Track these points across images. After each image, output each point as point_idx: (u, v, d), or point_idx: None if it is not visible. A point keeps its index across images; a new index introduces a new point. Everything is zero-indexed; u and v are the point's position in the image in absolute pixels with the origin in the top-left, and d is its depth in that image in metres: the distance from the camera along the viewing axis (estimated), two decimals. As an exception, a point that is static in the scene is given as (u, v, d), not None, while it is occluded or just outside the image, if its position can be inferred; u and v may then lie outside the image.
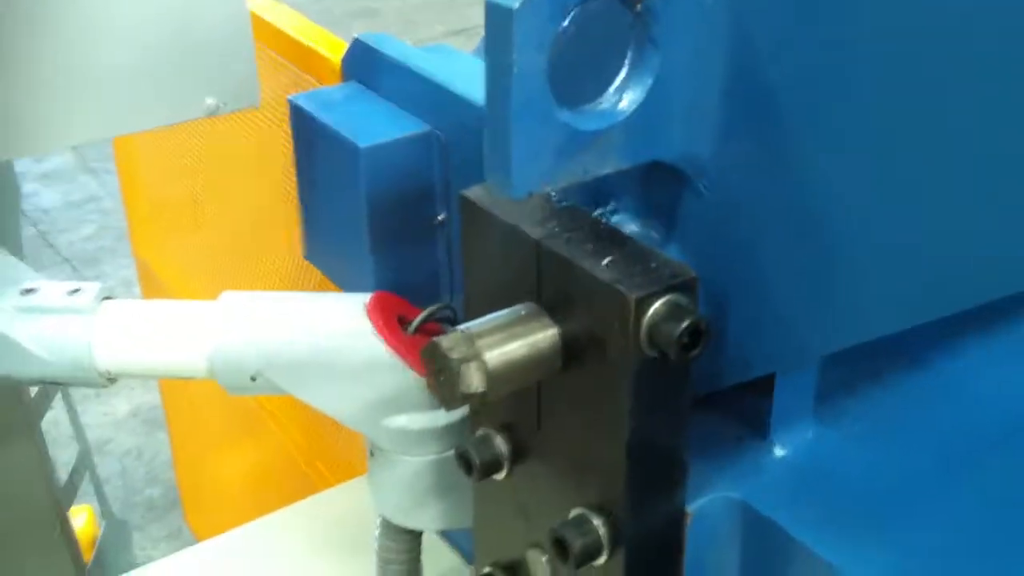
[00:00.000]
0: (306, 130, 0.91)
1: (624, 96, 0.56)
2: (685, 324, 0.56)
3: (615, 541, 0.65)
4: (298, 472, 1.54)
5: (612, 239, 0.62)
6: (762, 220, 0.57)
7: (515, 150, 0.52)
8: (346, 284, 0.94)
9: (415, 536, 0.95)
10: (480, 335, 0.61)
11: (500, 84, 0.51)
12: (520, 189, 0.54)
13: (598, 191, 0.67)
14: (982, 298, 0.52)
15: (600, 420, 0.62)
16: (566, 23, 0.51)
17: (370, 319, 0.82)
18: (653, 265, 0.59)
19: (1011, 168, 0.53)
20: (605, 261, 0.59)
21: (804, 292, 0.57)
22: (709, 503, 0.67)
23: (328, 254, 0.95)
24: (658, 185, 0.62)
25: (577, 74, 0.53)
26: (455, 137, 0.85)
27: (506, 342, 0.62)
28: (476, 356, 0.60)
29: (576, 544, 0.64)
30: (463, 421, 0.87)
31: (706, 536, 0.67)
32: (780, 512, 0.65)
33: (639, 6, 0.53)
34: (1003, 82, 0.50)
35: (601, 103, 0.56)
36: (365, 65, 0.95)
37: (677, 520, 0.66)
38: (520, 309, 0.64)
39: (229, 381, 0.82)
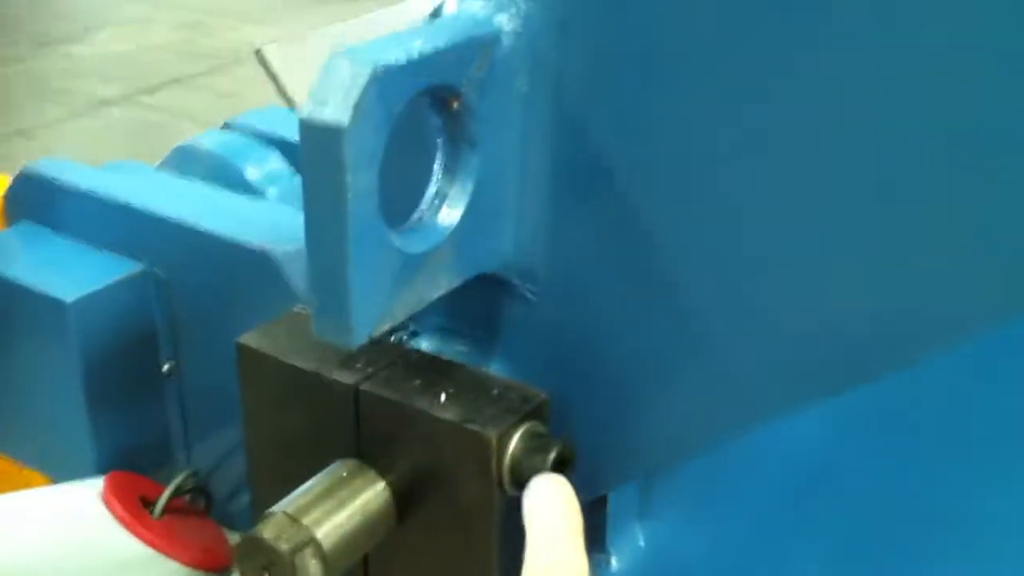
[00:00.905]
0: (-22, 287, 0.74)
1: (447, 207, 0.48)
2: (552, 455, 0.49)
3: None
4: None
5: (437, 369, 0.54)
6: (609, 314, 0.52)
7: (353, 289, 0.43)
8: (53, 464, 0.77)
9: None
10: (303, 513, 0.50)
11: (330, 214, 0.42)
12: (361, 334, 0.44)
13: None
14: (863, 379, 0.51)
15: (456, 567, 0.53)
16: (388, 133, 0.43)
17: (111, 511, 0.67)
18: (495, 392, 0.52)
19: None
20: (442, 397, 0.51)
21: (670, 387, 0.52)
22: (569, 639, 0.60)
23: (21, 435, 0.78)
24: (470, 298, 0.55)
25: (397, 190, 0.46)
26: (177, 272, 0.73)
27: (334, 513, 0.51)
28: (308, 540, 0.49)
29: None
30: (239, 603, 0.73)
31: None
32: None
33: (455, 105, 0.46)
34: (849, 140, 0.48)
35: (423, 220, 0.48)
36: (38, 200, 0.79)
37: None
38: (338, 469, 0.54)
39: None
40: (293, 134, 0.93)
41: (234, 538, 0.76)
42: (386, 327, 0.46)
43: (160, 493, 0.71)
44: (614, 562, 0.64)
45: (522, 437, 0.50)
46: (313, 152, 0.41)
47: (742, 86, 0.44)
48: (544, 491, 0.48)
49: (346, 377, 0.53)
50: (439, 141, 0.48)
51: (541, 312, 0.55)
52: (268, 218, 0.73)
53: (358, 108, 0.40)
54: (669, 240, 0.50)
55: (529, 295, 0.54)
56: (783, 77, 0.44)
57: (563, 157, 0.49)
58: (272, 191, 0.85)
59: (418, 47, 0.43)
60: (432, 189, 0.49)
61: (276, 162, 0.88)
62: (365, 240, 0.43)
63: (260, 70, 0.99)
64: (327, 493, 0.52)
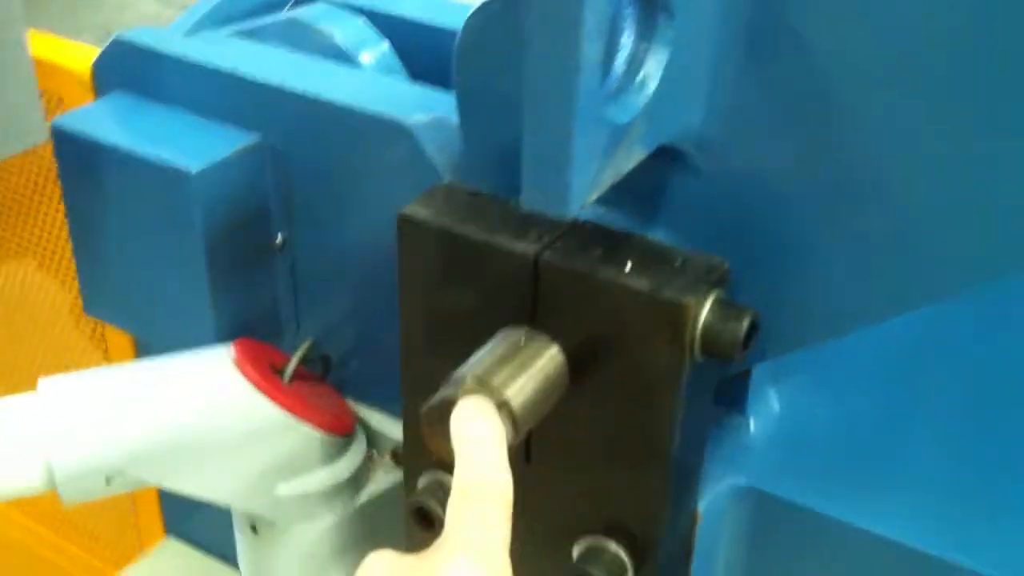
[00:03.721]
0: (87, 159, 0.73)
1: (644, 76, 0.48)
2: (747, 323, 0.50)
3: (639, 563, 0.59)
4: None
5: (614, 239, 0.54)
6: (785, 185, 0.52)
7: (576, 159, 0.43)
8: (168, 332, 0.77)
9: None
10: (492, 376, 0.52)
11: (558, 84, 0.41)
12: (575, 204, 0.45)
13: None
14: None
15: (634, 435, 0.55)
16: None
17: (245, 375, 0.68)
18: (679, 262, 0.53)
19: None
20: (627, 267, 0.52)
21: (845, 259, 0.53)
22: (715, 496, 0.62)
23: (137, 309, 0.78)
24: (635, 168, 0.55)
25: (605, 63, 0.45)
26: (295, 143, 0.72)
27: (518, 377, 0.52)
28: (501, 403, 0.51)
29: (605, 580, 0.57)
30: (364, 467, 0.75)
31: (712, 529, 0.63)
32: (785, 487, 0.62)
33: (659, -25, 0.45)
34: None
35: (622, 90, 0.48)
36: (133, 69, 0.77)
37: (691, 522, 0.62)
38: (513, 335, 0.55)
39: (76, 490, 0.64)
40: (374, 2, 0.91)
41: (354, 405, 0.78)
42: (593, 199, 0.47)
43: (283, 359, 0.72)
44: (752, 425, 0.66)
45: (713, 305, 0.51)
46: (547, 19, 0.40)
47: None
48: (470, 413, 0.49)
49: (524, 247, 0.54)
50: (634, 9, 0.48)
51: (711, 184, 0.55)
52: (387, 88, 0.72)
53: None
54: (859, 108, 0.50)
55: (701, 166, 0.55)
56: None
57: (759, 31, 0.49)
58: (365, 58, 0.84)
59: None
60: (626, 56, 0.48)
61: (364, 29, 0.86)
62: (588, 110, 0.43)
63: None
64: (507, 358, 0.53)
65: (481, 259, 0.55)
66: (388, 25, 0.87)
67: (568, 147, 0.43)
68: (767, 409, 0.67)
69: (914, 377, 0.71)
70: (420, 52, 0.86)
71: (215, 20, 0.87)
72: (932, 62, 0.48)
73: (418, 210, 0.57)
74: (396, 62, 0.86)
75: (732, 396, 0.65)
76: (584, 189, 0.45)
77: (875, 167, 0.51)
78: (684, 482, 0.58)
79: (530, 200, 0.45)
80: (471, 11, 0.58)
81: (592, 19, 0.40)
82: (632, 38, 0.48)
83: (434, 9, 0.90)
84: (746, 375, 0.64)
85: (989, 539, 0.59)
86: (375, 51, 0.85)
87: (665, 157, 0.55)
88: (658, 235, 0.58)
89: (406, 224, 0.57)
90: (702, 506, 0.62)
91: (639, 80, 0.48)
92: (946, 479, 0.64)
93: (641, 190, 0.57)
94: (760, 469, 0.63)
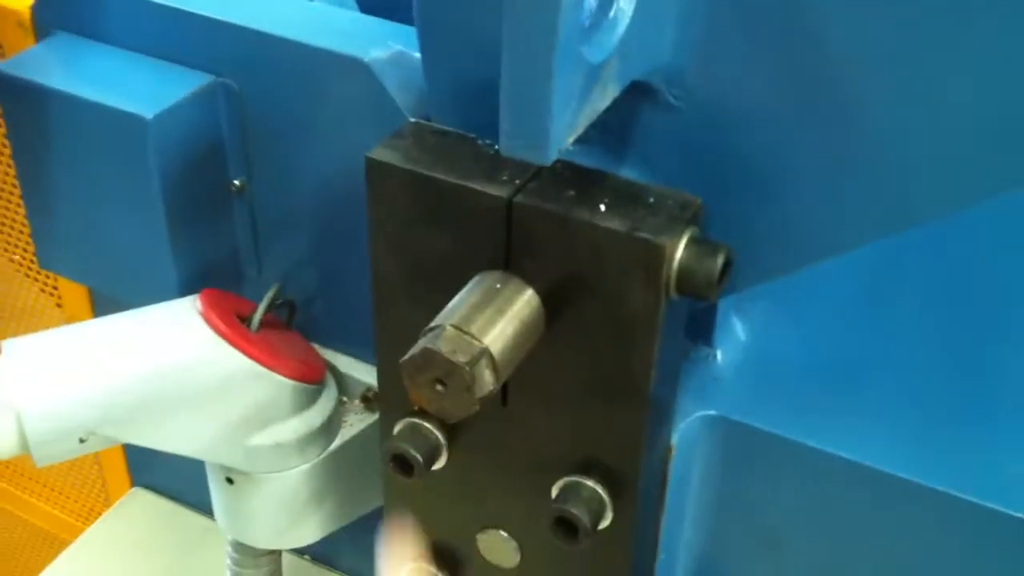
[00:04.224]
0: (35, 107, 0.70)
1: (616, 12, 0.47)
2: (721, 260, 0.50)
3: (617, 499, 0.59)
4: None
5: (586, 178, 0.53)
6: (757, 118, 0.52)
7: (555, 105, 0.42)
8: (127, 282, 0.75)
9: (276, 555, 0.82)
10: (470, 323, 0.51)
11: (537, 25, 0.40)
12: (554, 150, 0.44)
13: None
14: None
15: (610, 374, 0.55)
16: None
17: (212, 326, 0.67)
18: (652, 200, 0.52)
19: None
20: (601, 207, 0.51)
21: (818, 187, 0.53)
22: (686, 428, 0.63)
23: (89, 254, 0.75)
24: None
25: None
26: (251, 82, 0.69)
27: (496, 322, 0.52)
28: (482, 351, 0.50)
29: (585, 517, 0.58)
30: (336, 413, 0.75)
31: (685, 460, 0.64)
32: (755, 415, 0.63)
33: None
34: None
35: (595, 27, 0.46)
36: (76, 9, 0.74)
37: (665, 455, 0.62)
38: (488, 279, 0.54)
39: (49, 453, 0.63)
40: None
41: (321, 350, 0.77)
42: (571, 141, 0.46)
43: (249, 308, 0.71)
44: (719, 355, 0.66)
45: (688, 243, 0.51)
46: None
47: None
48: None
49: (497, 189, 0.53)
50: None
51: (683, 118, 0.54)
52: (343, 22, 0.70)
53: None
54: (829, 30, 0.49)
55: (673, 101, 0.54)
56: None
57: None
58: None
59: None
60: (597, -7, 0.47)
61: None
62: (567, 54, 0.42)
63: None
64: (484, 303, 0.52)
65: (453, 203, 0.54)
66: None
67: (548, 92, 0.42)
68: (734, 338, 0.67)
69: (881, 299, 0.72)
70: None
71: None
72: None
73: (385, 153, 0.56)
74: (349, -1, 0.84)
75: (699, 327, 0.65)
76: (562, 133, 0.44)
77: (846, 89, 0.50)
78: (659, 417, 0.59)
79: (509, 147, 0.44)
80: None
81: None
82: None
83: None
84: (713, 306, 0.64)
85: (960, 460, 0.60)
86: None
87: (636, 93, 0.54)
88: (631, 172, 0.57)
89: (374, 168, 0.56)
90: (674, 438, 0.62)
91: (612, 16, 0.47)
92: (915, 401, 0.65)
93: (613, 127, 0.56)
94: (728, 399, 0.63)
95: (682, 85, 0.53)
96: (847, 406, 0.64)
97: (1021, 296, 0.72)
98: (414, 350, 0.50)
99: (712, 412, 0.63)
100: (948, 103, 0.49)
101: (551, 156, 0.44)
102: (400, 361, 0.51)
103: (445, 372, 0.50)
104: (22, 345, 0.63)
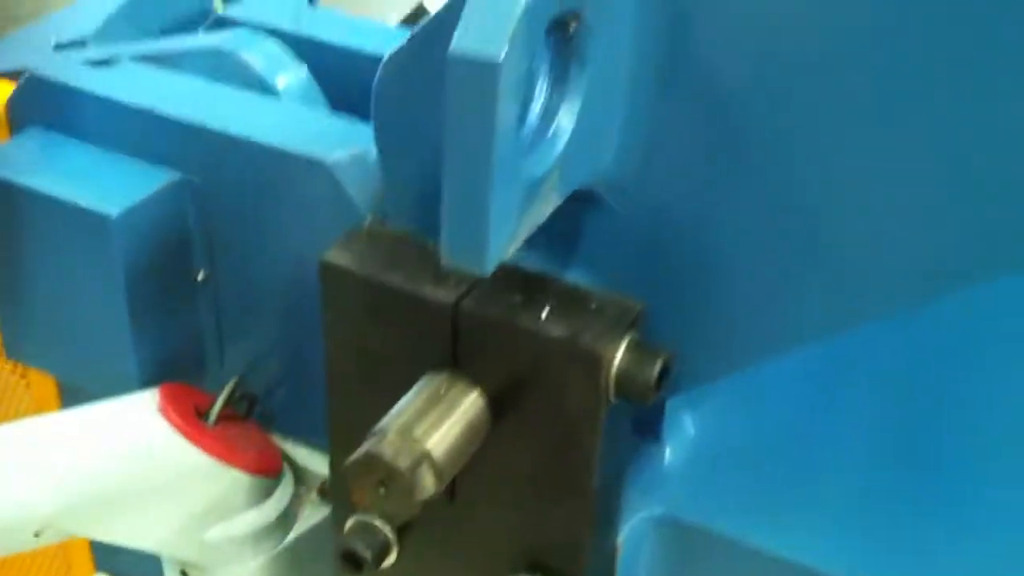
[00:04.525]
0: (2, 201, 0.71)
1: (558, 127, 0.49)
2: (658, 367, 0.51)
3: (564, 599, 0.59)
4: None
5: (531, 283, 0.55)
6: (699, 223, 0.53)
7: (493, 220, 0.43)
8: (94, 377, 0.76)
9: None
10: (412, 427, 0.52)
11: (475, 149, 0.42)
12: (493, 261, 0.45)
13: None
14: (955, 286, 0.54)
15: (554, 474, 0.56)
16: (529, 63, 0.42)
17: (170, 421, 0.67)
18: (594, 306, 0.54)
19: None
20: (544, 314, 0.53)
21: (759, 290, 0.54)
22: (634, 526, 0.63)
23: (58, 349, 0.76)
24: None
25: (520, 118, 0.46)
26: (215, 180, 0.71)
27: (440, 425, 0.53)
28: (424, 455, 0.51)
29: (531, 618, 0.58)
30: (291, 506, 0.75)
31: (632, 559, 0.64)
32: (701, 514, 0.63)
33: (573, 26, 0.46)
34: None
35: (535, 141, 0.48)
36: (48, 105, 0.76)
37: (612, 554, 0.63)
38: (434, 381, 0.55)
39: (5, 544, 0.63)
40: (285, 23, 0.91)
41: (280, 441, 0.77)
42: (511, 252, 0.47)
43: (208, 401, 0.72)
44: (668, 452, 0.67)
45: (627, 349, 0.52)
46: (463, 86, 0.41)
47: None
48: None
49: (444, 294, 0.54)
50: (547, 60, 0.48)
51: (627, 223, 0.56)
52: (307, 123, 0.72)
53: (512, 42, 0.40)
54: (774, 149, 0.51)
55: (617, 207, 0.55)
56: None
57: (670, 69, 0.50)
58: (283, 84, 0.83)
59: (551, -26, 0.42)
60: (538, 109, 0.49)
61: (283, 56, 0.86)
62: (505, 171, 0.43)
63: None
64: (428, 406, 0.54)
65: (402, 306, 0.55)
66: (308, 49, 0.87)
67: (485, 208, 0.43)
68: (682, 434, 0.68)
69: (830, 394, 0.73)
70: (340, 76, 0.86)
71: (127, 30, 0.88)
72: (834, 87, 0.49)
73: (339, 255, 0.57)
74: (315, 89, 0.86)
75: (648, 423, 0.66)
76: (502, 246, 0.46)
77: (786, 196, 0.52)
78: (605, 516, 0.59)
79: (449, 257, 0.46)
80: (388, 53, 0.58)
81: (505, 86, 0.41)
82: (545, 89, 0.49)
83: (354, 33, 0.90)
84: (661, 402, 0.65)
85: (905, 561, 0.61)
86: (294, 78, 0.84)
87: (579, 198, 0.56)
88: (578, 274, 0.58)
89: (328, 271, 0.57)
90: (621, 537, 0.63)
91: (553, 131, 0.49)
92: (862, 502, 0.66)
93: (558, 231, 0.58)
94: (675, 497, 0.64)
95: (624, 192, 0.55)
96: (795, 501, 0.65)
97: (970, 388, 0.73)
98: (357, 454, 0.51)
99: (658, 511, 0.63)
100: (894, 207, 0.50)
101: (489, 268, 0.46)
102: (343, 464, 0.52)
103: (387, 475, 0.50)
104: (-23, 438, 0.64)
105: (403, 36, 0.57)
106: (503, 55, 0.39)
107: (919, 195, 0.49)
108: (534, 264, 0.59)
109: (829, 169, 0.50)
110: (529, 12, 0.40)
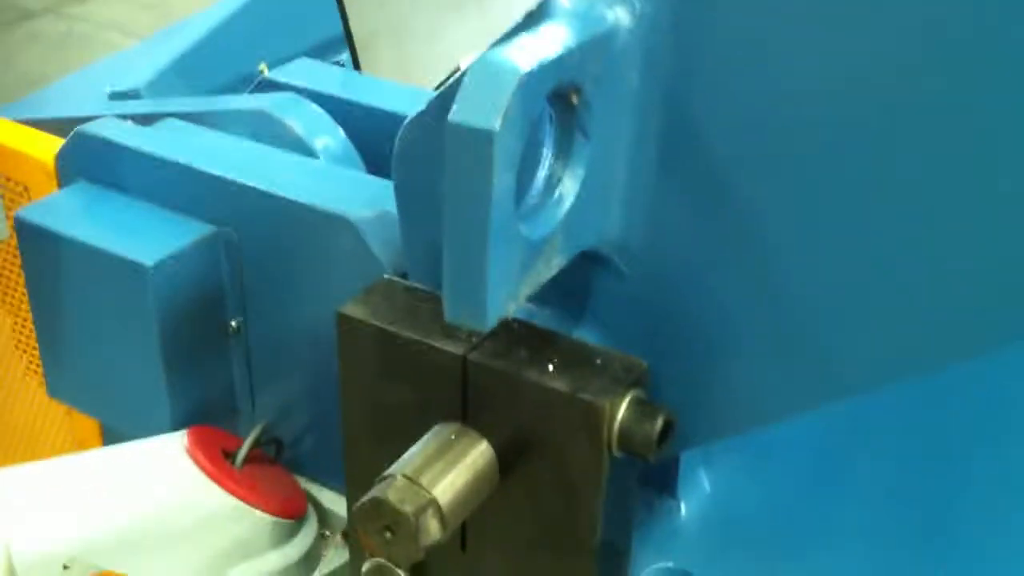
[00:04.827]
0: (48, 250, 0.75)
1: (560, 192, 0.51)
2: (660, 423, 0.53)
3: (571, 650, 0.60)
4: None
5: (539, 339, 0.57)
6: (700, 289, 0.55)
7: (490, 278, 0.46)
8: (129, 419, 0.79)
9: None
10: (419, 474, 0.54)
11: (472, 214, 0.44)
12: (493, 318, 0.47)
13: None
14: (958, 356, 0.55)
15: (559, 526, 0.57)
16: (527, 134, 0.45)
17: (197, 463, 0.70)
18: (599, 362, 0.55)
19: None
20: (550, 368, 0.55)
21: (763, 353, 0.56)
22: (645, 580, 0.65)
23: (96, 392, 0.80)
24: (562, 270, 0.58)
25: (522, 183, 0.48)
26: (249, 234, 0.75)
27: (447, 474, 0.55)
28: (430, 501, 0.53)
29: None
30: (315, 547, 0.77)
31: (644, 613, 0.65)
32: (712, 570, 0.64)
33: (574, 99, 0.49)
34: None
35: (539, 206, 0.51)
36: (95, 160, 0.80)
37: (622, 608, 0.64)
38: (444, 431, 0.57)
39: (34, 574, 0.66)
40: (327, 87, 0.94)
41: (307, 484, 0.80)
42: (512, 310, 0.49)
43: (236, 444, 0.74)
44: (683, 508, 0.68)
45: (629, 405, 0.53)
46: (460, 154, 0.43)
47: (851, 93, 0.47)
48: None
49: (453, 347, 0.56)
50: (551, 130, 0.51)
51: (633, 285, 0.58)
52: (339, 182, 0.75)
53: (507, 114, 0.42)
54: (768, 226, 0.53)
55: (624, 269, 0.57)
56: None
57: (670, 145, 0.52)
58: (322, 146, 0.87)
59: (550, 50, 0.45)
60: (543, 175, 0.51)
61: (321, 119, 0.89)
62: (502, 234, 0.46)
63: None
64: (437, 455, 0.56)
65: (414, 358, 0.57)
66: (347, 113, 0.91)
67: (483, 270, 0.46)
68: (698, 490, 0.69)
69: (844, 455, 0.74)
70: (377, 139, 0.90)
71: (178, 84, 0.92)
72: (829, 166, 0.51)
73: (356, 308, 0.60)
74: (352, 151, 0.89)
75: (664, 478, 0.67)
76: (501, 303, 0.48)
77: (788, 264, 0.54)
78: (612, 569, 0.60)
79: (452, 315, 0.48)
80: (406, 121, 0.61)
81: (500, 156, 0.43)
82: (550, 156, 0.52)
83: (392, 97, 0.93)
84: (677, 458, 0.67)
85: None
86: (332, 141, 0.88)
87: (589, 260, 0.58)
88: (587, 331, 0.60)
89: (345, 322, 0.60)
90: (632, 588, 0.64)
91: (556, 197, 0.51)
92: (873, 561, 0.66)
93: (568, 290, 0.60)
94: (689, 552, 0.65)
95: (630, 255, 0.56)
96: (804, 567, 0.66)
97: (977, 456, 0.73)
98: (365, 498, 0.53)
99: (671, 565, 0.64)
100: (893, 282, 0.52)
101: (489, 324, 0.48)
102: (352, 509, 0.54)
103: (393, 520, 0.52)
104: (13, 477, 0.67)
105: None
106: (498, 125, 0.42)
107: (907, 279, 0.51)
108: (545, 320, 0.61)
109: (821, 244, 0.52)
110: (525, 85, 0.43)
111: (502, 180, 0.44)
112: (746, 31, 0.48)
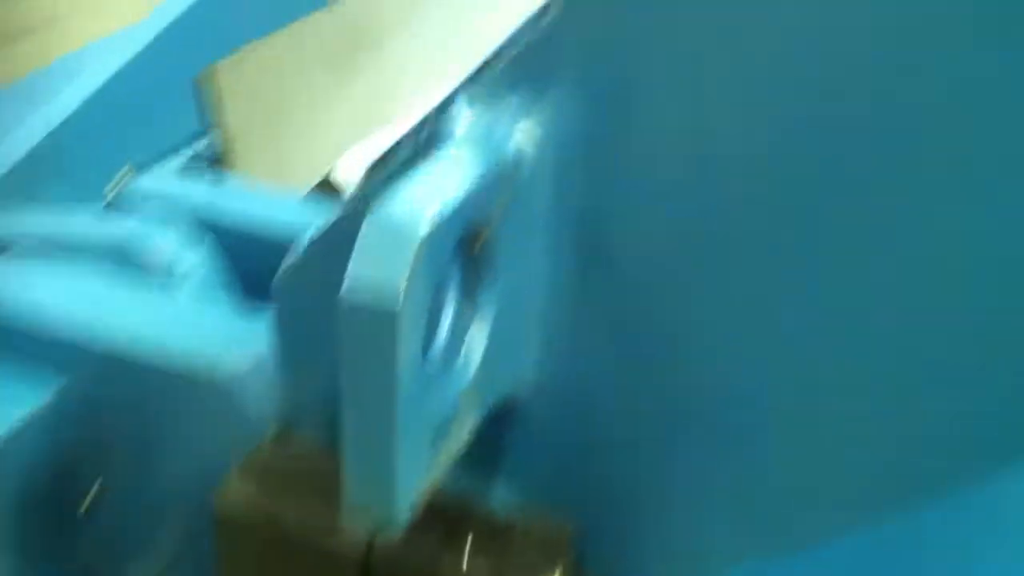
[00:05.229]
0: None
1: (468, 345, 0.44)
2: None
3: None
4: None
5: (448, 511, 0.49)
6: (626, 430, 0.49)
7: (400, 476, 0.38)
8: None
9: None
10: None
11: (375, 406, 0.37)
12: (405, 516, 0.40)
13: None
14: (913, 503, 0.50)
15: None
16: (432, 292, 0.38)
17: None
18: (519, 531, 0.49)
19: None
20: (465, 551, 0.47)
21: (699, 501, 0.50)
22: None
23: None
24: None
25: (425, 347, 0.41)
26: (101, 397, 0.65)
27: None
28: None
29: None
30: None
31: None
32: None
33: (478, 246, 0.42)
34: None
35: (446, 364, 0.44)
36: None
37: None
38: (347, 631, 0.49)
39: None
40: (191, 202, 0.86)
41: None
42: (424, 496, 0.42)
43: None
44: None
45: (560, 581, 0.47)
46: (359, 335, 0.36)
47: (788, 212, 0.42)
48: None
49: (353, 535, 0.48)
50: (455, 278, 0.44)
51: (552, 434, 0.51)
52: (203, 327, 0.66)
53: (411, 282, 0.35)
54: (699, 357, 0.47)
55: (539, 414, 0.51)
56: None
57: (589, 271, 0.46)
58: (183, 271, 0.78)
59: (453, 195, 0.39)
60: (446, 329, 0.45)
61: (185, 244, 0.81)
62: (410, 411, 0.39)
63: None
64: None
65: (305, 546, 0.49)
66: (215, 230, 0.83)
67: (390, 471, 0.38)
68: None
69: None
70: (248, 258, 0.82)
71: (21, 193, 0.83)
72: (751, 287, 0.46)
73: (232, 492, 0.51)
74: (219, 279, 0.81)
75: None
76: (413, 493, 0.40)
77: (718, 414, 0.48)
78: None
79: (352, 518, 0.40)
80: (283, 264, 0.54)
81: (404, 330, 0.36)
82: (455, 301, 0.45)
83: (263, 209, 0.86)
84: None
85: None
86: (197, 268, 0.80)
87: (503, 411, 0.51)
88: (503, 491, 0.53)
89: (223, 507, 0.51)
90: None
91: (463, 357, 0.45)
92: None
93: (481, 447, 0.53)
94: None
95: (546, 395, 0.50)
96: None
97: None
98: None
99: None
100: (836, 429, 0.47)
101: (402, 524, 0.40)
102: None
103: None
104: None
105: (308, 227, 0.53)
106: (401, 299, 0.35)
107: (860, 424, 0.46)
108: (459, 481, 0.54)
109: (748, 386, 0.46)
110: (430, 243, 0.36)
111: (407, 351, 0.37)
112: (662, 145, 0.43)
